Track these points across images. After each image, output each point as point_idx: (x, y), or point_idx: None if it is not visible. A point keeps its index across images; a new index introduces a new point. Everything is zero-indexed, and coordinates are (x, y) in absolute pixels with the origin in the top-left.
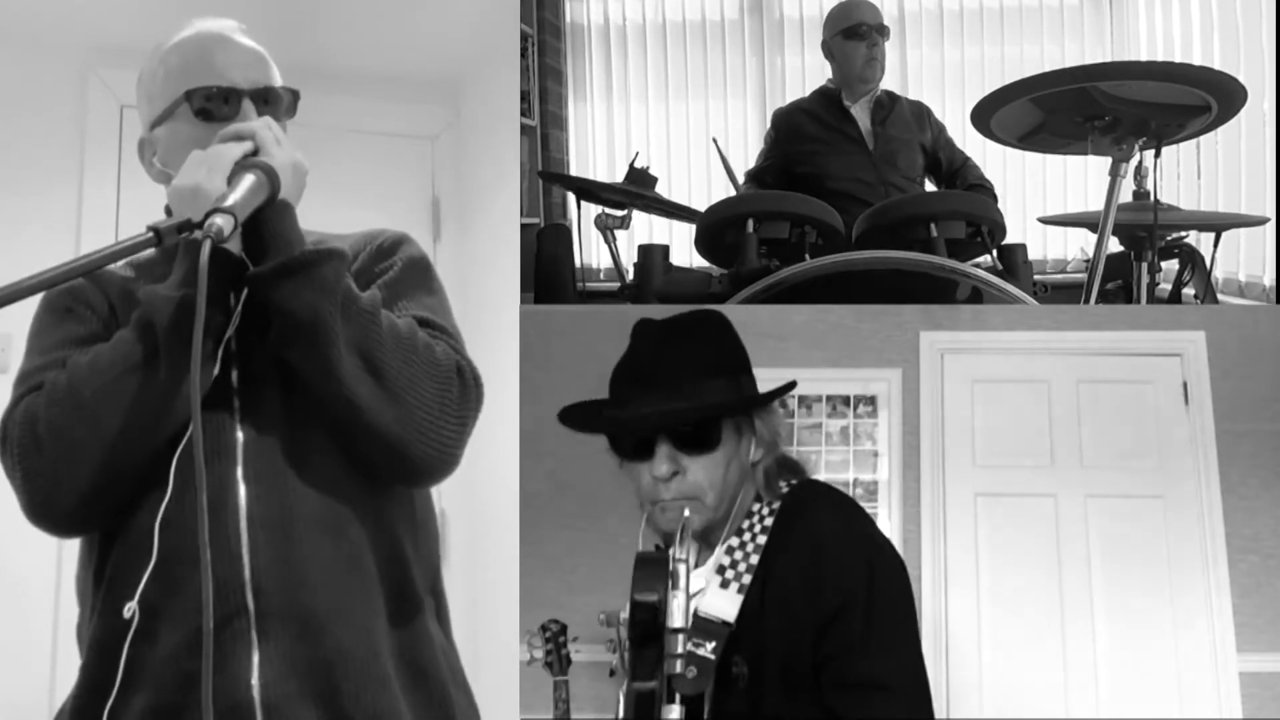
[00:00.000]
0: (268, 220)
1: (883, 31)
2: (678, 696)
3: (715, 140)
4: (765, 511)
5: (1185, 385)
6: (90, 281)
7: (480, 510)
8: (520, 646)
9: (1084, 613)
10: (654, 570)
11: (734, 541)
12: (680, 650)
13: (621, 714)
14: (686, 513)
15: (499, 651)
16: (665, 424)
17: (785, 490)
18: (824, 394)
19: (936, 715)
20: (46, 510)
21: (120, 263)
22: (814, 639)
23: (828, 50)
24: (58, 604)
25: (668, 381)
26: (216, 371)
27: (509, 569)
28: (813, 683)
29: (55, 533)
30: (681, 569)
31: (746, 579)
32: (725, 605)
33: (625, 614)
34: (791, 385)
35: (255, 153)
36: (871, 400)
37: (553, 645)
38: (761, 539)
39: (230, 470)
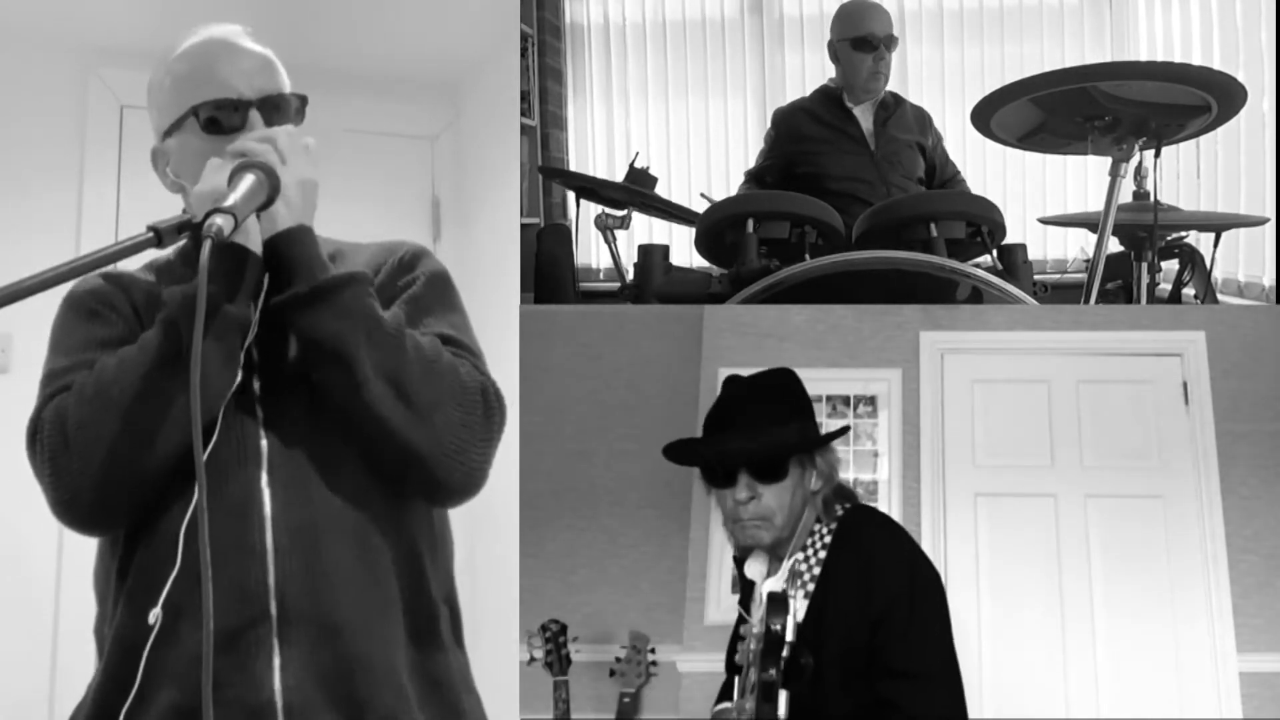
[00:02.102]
0: (288, 245)
1: (890, 44)
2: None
3: (705, 194)
4: (825, 532)
5: (1185, 385)
6: (114, 285)
7: (480, 510)
8: (520, 646)
9: (1084, 612)
10: (781, 605)
11: (799, 556)
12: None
13: (740, 700)
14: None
15: (499, 651)
16: (745, 459)
17: (841, 514)
18: (824, 394)
19: None
20: (74, 508)
21: (140, 267)
22: (866, 636)
23: (833, 52)
24: (58, 603)
25: (748, 426)
26: (240, 377)
27: (509, 569)
28: (865, 672)
29: (82, 530)
30: (792, 603)
31: (811, 587)
32: (789, 630)
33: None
34: (845, 430)
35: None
36: (871, 400)
37: (553, 645)
38: (822, 554)
39: (256, 476)
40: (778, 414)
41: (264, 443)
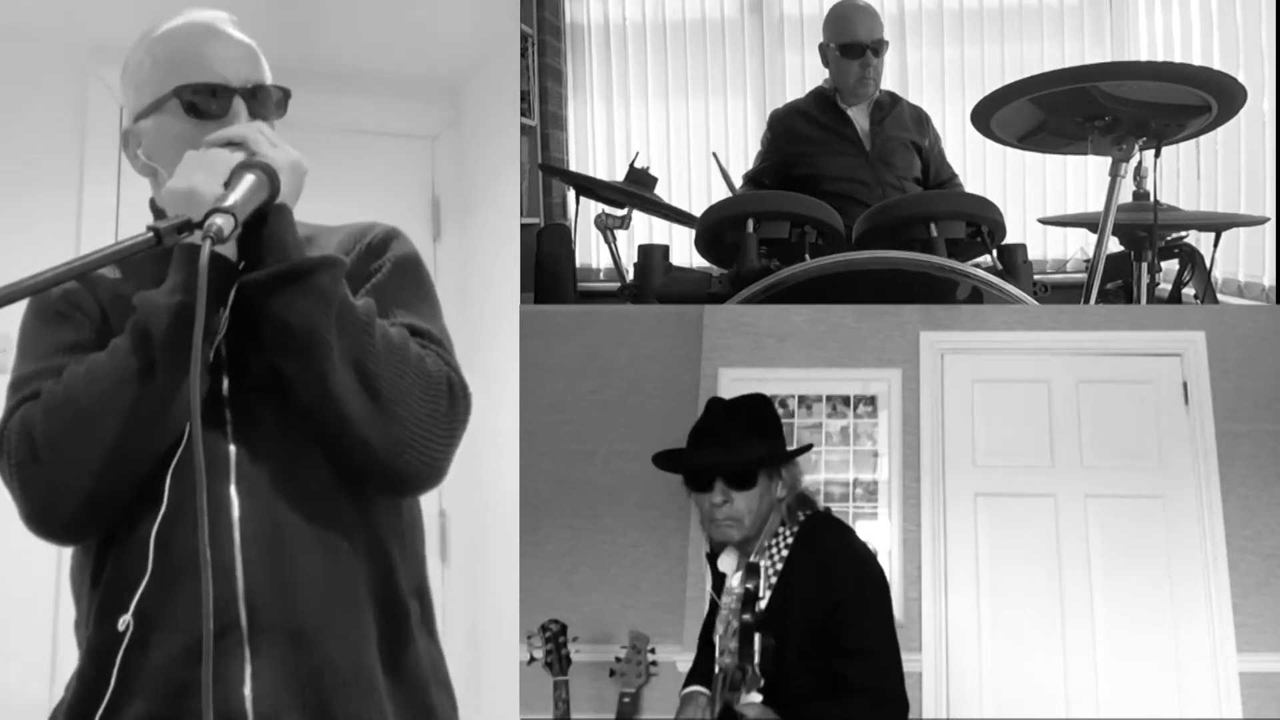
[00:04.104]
0: (265, 224)
1: (879, 49)
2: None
3: (715, 155)
4: (788, 534)
5: (1185, 385)
6: (80, 284)
7: (480, 510)
8: (520, 646)
9: (1084, 612)
10: (754, 571)
11: (766, 553)
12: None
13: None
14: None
15: (499, 651)
16: (720, 469)
17: (802, 519)
18: (824, 394)
19: (936, 715)
20: (44, 520)
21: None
22: (820, 621)
23: (824, 55)
24: (58, 604)
25: (724, 440)
26: (209, 382)
27: (509, 569)
28: (819, 651)
29: (52, 541)
30: (762, 573)
31: (774, 580)
32: (762, 588)
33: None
34: (808, 447)
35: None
36: (871, 400)
37: (553, 645)
38: (785, 552)
39: (224, 485)
40: (750, 432)
41: (231, 449)
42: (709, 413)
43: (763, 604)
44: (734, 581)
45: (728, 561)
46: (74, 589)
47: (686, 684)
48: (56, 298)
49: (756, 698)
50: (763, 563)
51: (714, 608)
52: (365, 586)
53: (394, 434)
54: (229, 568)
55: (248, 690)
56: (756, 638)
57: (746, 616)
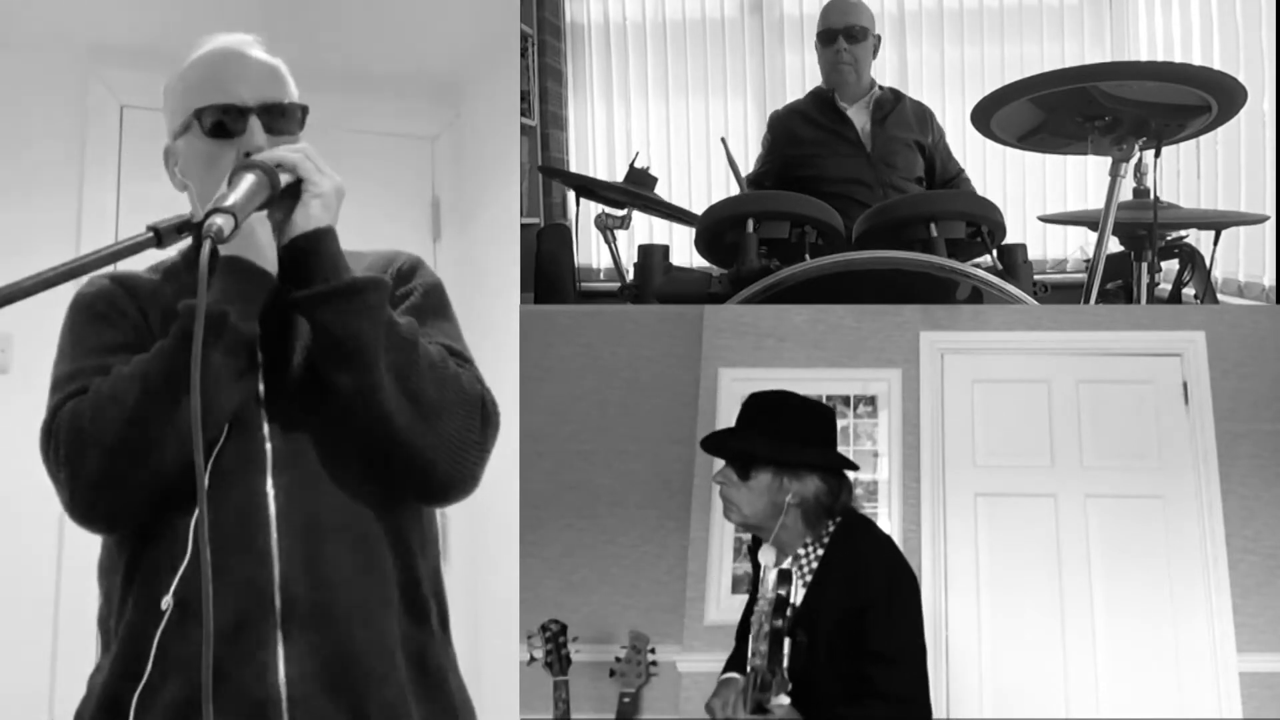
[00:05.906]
0: (319, 242)
1: (854, 34)
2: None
3: (724, 140)
4: (824, 535)
5: (1185, 385)
6: (120, 287)
7: (480, 510)
8: (520, 646)
9: (1084, 613)
10: (787, 578)
11: (800, 552)
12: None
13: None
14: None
15: (499, 651)
16: (715, 451)
17: (834, 526)
18: (824, 394)
19: (936, 716)
20: (89, 511)
21: (146, 269)
22: (850, 622)
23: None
24: (58, 597)
25: (739, 429)
26: (249, 384)
27: (509, 569)
28: (848, 651)
29: (95, 531)
30: (794, 580)
31: (809, 578)
32: (793, 595)
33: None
34: (840, 462)
35: (297, 181)
36: (871, 400)
37: (553, 645)
38: (820, 552)
39: (260, 478)
40: (760, 427)
41: (268, 446)
42: (747, 400)
43: (798, 601)
44: (769, 580)
45: (767, 554)
46: (103, 582)
47: (725, 670)
48: (98, 299)
49: (785, 700)
50: (795, 569)
51: (753, 598)
52: (392, 577)
53: (434, 443)
54: (266, 557)
55: (281, 674)
56: (786, 643)
57: (778, 623)
